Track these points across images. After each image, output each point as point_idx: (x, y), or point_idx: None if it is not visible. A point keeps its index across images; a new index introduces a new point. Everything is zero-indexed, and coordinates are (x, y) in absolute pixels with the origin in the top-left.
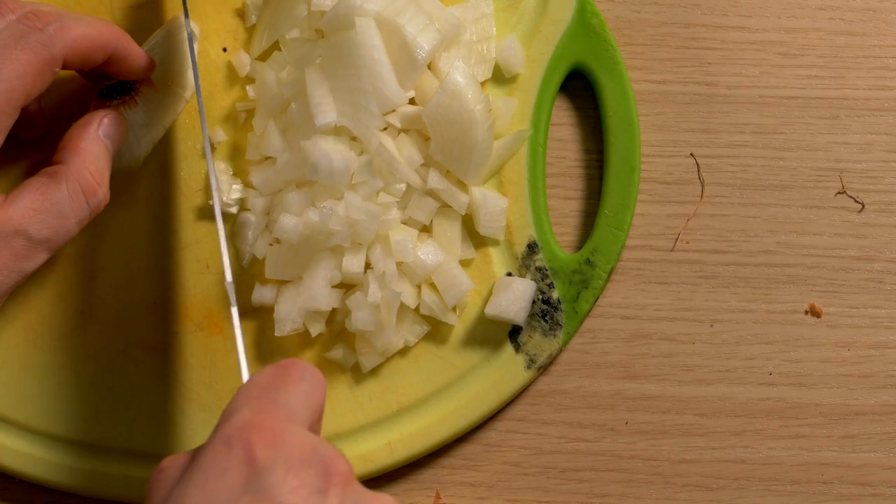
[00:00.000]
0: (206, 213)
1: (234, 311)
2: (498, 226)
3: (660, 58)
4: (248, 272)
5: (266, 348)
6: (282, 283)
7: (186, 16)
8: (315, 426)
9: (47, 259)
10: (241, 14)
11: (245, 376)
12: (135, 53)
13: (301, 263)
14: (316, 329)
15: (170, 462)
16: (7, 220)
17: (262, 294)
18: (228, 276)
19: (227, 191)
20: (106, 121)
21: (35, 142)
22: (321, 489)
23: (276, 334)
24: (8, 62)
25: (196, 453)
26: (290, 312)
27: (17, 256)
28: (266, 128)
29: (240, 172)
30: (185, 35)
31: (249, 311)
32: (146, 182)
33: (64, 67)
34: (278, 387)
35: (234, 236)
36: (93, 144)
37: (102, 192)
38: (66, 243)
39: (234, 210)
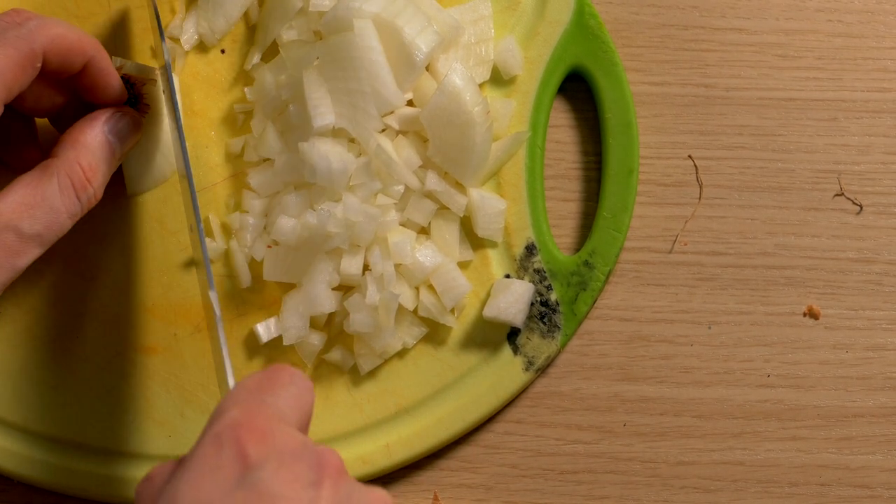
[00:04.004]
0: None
1: (220, 325)
2: (496, 227)
3: (658, 60)
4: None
5: (263, 351)
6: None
7: (163, 38)
8: (303, 430)
9: (40, 254)
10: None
11: (231, 383)
12: (112, 70)
13: (299, 265)
14: (316, 339)
15: (158, 470)
16: None
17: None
18: (215, 303)
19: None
20: (116, 118)
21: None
22: (314, 482)
23: (284, 343)
24: None
25: (185, 457)
26: (295, 321)
27: (9, 252)
28: (264, 129)
29: (238, 174)
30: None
31: (245, 314)
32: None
33: (44, 69)
34: (266, 389)
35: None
36: (93, 139)
37: (94, 188)
38: (59, 238)
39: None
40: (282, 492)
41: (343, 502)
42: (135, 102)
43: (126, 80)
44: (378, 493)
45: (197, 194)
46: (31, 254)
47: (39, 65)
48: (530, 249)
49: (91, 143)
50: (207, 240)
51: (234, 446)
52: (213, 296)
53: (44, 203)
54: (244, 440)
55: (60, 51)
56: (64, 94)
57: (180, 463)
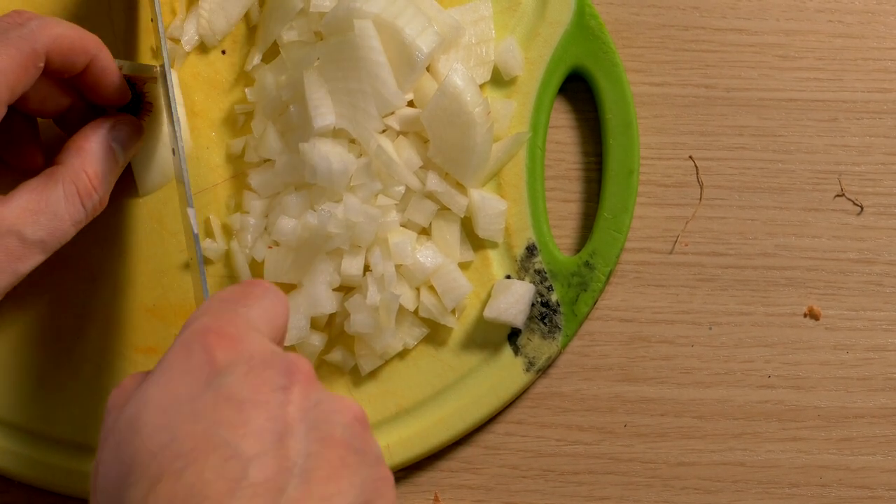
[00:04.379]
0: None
1: (198, 243)
2: (497, 228)
3: (659, 60)
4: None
5: None
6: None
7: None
8: (276, 342)
9: (42, 260)
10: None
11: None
12: (114, 68)
13: (300, 266)
14: (317, 340)
15: (129, 379)
16: (0, 219)
17: None
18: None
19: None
20: (119, 125)
21: (36, 171)
22: (283, 386)
23: (284, 344)
24: None
25: (156, 365)
26: (296, 321)
27: (11, 257)
28: (265, 130)
29: (239, 175)
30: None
31: None
32: None
33: (46, 68)
34: (239, 299)
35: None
36: (97, 146)
37: (99, 195)
38: (62, 244)
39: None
40: (249, 395)
41: (311, 407)
42: (138, 102)
43: (128, 80)
44: (346, 401)
45: (198, 195)
46: (34, 259)
47: (42, 64)
48: (531, 250)
49: (96, 151)
50: (208, 240)
51: (203, 351)
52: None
53: (48, 209)
54: (213, 345)
55: (62, 50)
56: (69, 96)
57: (151, 371)
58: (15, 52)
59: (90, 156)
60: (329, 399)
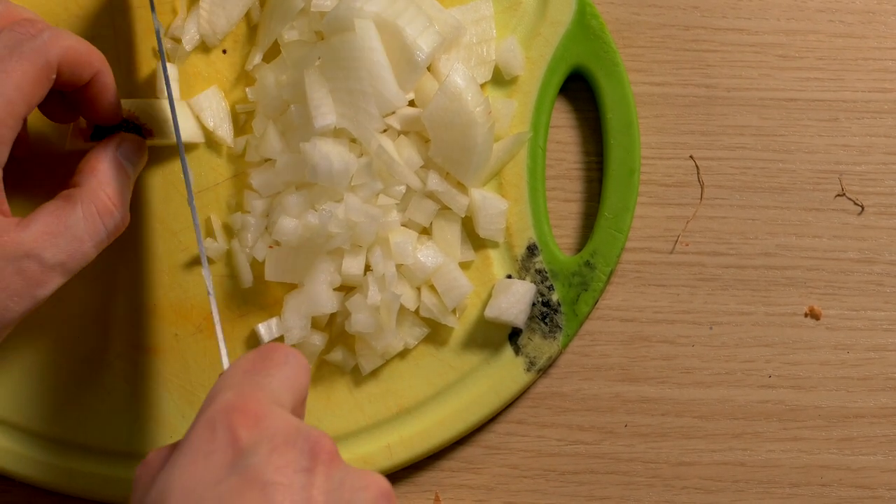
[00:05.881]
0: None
1: (213, 300)
2: (497, 228)
3: (659, 60)
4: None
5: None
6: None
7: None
8: (298, 410)
9: (62, 283)
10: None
11: (226, 364)
12: (113, 85)
13: (301, 266)
14: (318, 339)
15: (154, 455)
16: (19, 243)
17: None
18: (207, 274)
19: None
20: (125, 143)
21: (20, 160)
22: (307, 468)
23: (286, 343)
24: (5, 74)
25: (180, 442)
26: (297, 321)
27: (30, 281)
28: (266, 130)
29: (240, 175)
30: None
31: (247, 315)
32: (147, 184)
33: (55, 80)
34: (260, 370)
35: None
36: (110, 166)
37: (120, 214)
38: (83, 266)
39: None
40: (273, 477)
41: (336, 488)
42: (139, 130)
43: (130, 117)
44: (372, 477)
45: (199, 194)
46: (54, 283)
47: (54, 76)
48: (532, 250)
49: (110, 170)
50: (209, 240)
51: (226, 431)
52: (206, 273)
53: (67, 232)
54: (237, 424)
55: (72, 62)
56: (73, 109)
57: (175, 447)
58: (29, 65)
59: (106, 177)
60: (353, 477)
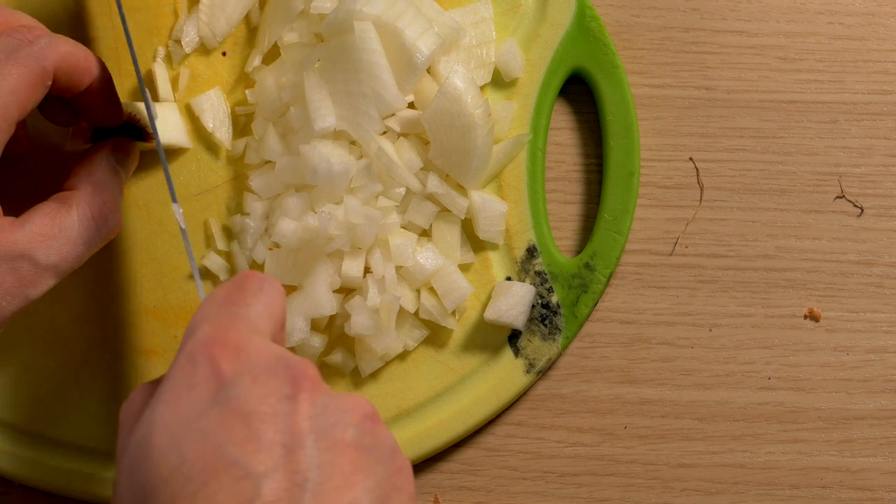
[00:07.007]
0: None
1: (185, 236)
2: (497, 230)
3: (659, 62)
4: None
5: None
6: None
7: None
8: (278, 336)
9: (53, 285)
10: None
11: (202, 295)
12: (114, 91)
13: (301, 268)
14: (318, 341)
15: (137, 392)
16: (13, 243)
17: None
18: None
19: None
20: (118, 147)
21: (20, 158)
22: (290, 395)
23: (286, 345)
24: (0, 78)
25: (163, 377)
26: (296, 323)
27: (23, 282)
28: (265, 132)
29: (240, 177)
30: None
31: None
32: (145, 186)
33: (52, 86)
34: (237, 300)
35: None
36: (105, 171)
37: (114, 218)
38: (75, 269)
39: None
40: (256, 407)
41: (320, 413)
42: (138, 131)
43: (131, 118)
44: (356, 399)
45: (198, 197)
46: (45, 284)
47: (50, 82)
48: (531, 252)
49: (105, 175)
50: (210, 252)
51: (207, 364)
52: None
53: (61, 234)
54: (217, 357)
55: (69, 68)
56: (73, 114)
57: (158, 383)
58: (25, 70)
59: (101, 180)
60: (336, 400)
